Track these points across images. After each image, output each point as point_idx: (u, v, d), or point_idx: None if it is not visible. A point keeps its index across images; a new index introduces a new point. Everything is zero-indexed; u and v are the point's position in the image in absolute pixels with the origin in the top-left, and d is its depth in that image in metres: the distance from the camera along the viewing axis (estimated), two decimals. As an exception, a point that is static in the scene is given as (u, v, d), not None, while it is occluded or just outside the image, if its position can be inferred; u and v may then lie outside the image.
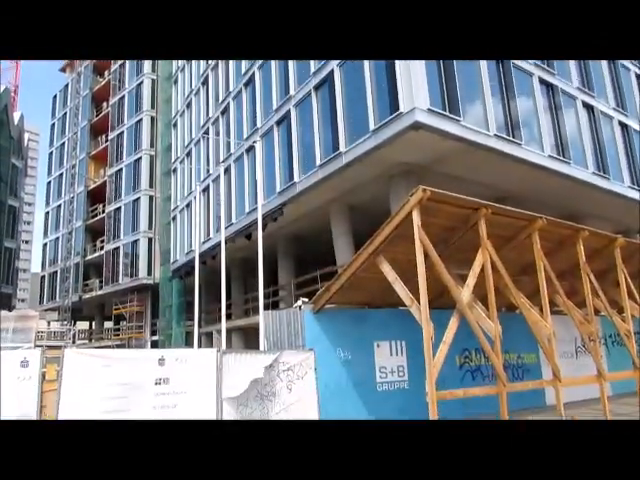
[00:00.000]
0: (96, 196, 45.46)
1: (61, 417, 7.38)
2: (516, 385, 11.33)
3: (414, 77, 13.92)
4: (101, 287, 41.68)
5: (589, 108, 20.47)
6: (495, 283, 9.81)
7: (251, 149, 22.47)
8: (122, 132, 42.37)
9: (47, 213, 52.41)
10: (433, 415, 7.91)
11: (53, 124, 54.55)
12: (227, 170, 25.18)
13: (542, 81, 18.42)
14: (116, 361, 8.25)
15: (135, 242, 38.39)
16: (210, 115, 28.85)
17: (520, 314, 10.61)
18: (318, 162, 17.66)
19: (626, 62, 23.34)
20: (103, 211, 43.41)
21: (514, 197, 18.12)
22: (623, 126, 22.06)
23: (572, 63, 20.13)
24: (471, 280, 9.52)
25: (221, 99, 27.38)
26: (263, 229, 16.35)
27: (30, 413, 7.41)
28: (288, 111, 20.25)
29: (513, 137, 16.24)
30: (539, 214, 10.74)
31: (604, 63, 21.86)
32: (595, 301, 12.22)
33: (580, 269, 11.88)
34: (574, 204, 20.41)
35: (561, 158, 17.90)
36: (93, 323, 48.78)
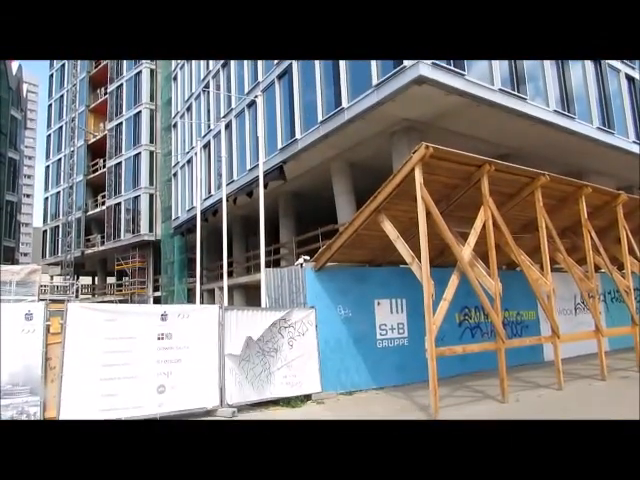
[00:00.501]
0: (96, 150, 45.02)
1: (66, 370, 7.55)
2: (514, 341, 11.52)
3: (418, 29, 13.51)
4: (103, 242, 41.83)
5: (596, 61, 19.97)
6: (496, 241, 9.83)
7: (252, 104, 22.11)
8: (121, 85, 41.57)
9: (47, 167, 51.99)
10: (432, 371, 8.06)
11: (52, 75, 53.29)
12: (228, 125, 24.85)
13: (550, 33, 17.89)
14: (119, 315, 8.38)
15: (136, 198, 38.28)
16: (210, 68, 28.24)
17: (520, 272, 10.67)
18: (320, 118, 17.38)
19: (637, 13, 22.59)
20: (104, 166, 43.07)
21: (517, 153, 17.93)
22: (630, 79, 21.56)
23: (582, 14, 19.48)
24: (472, 238, 9.53)
25: (221, 52, 26.72)
26: (265, 187, 16.27)
27: (34, 364, 7.56)
28: (290, 65, 19.80)
29: (518, 92, 15.90)
30: (542, 171, 10.64)
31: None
32: (596, 258, 12.26)
33: (582, 226, 11.87)
34: (577, 160, 20.18)
35: (566, 113, 17.58)
36: (96, 278, 49.22)
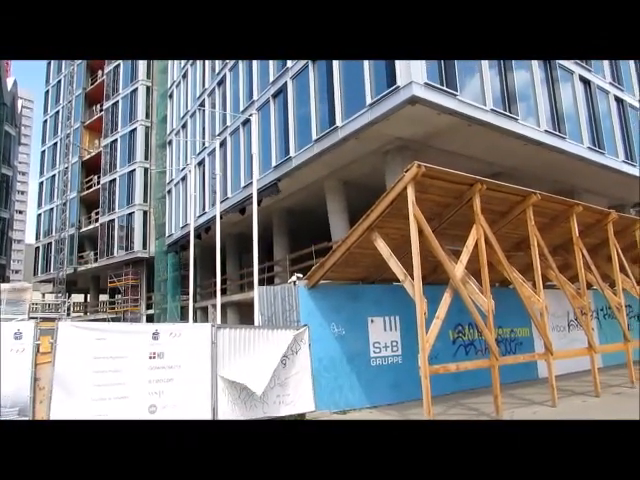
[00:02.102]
0: (91, 167, 45.02)
1: (55, 390, 7.47)
2: (508, 358, 11.52)
3: (411, 50, 13.72)
4: (96, 259, 41.62)
5: (586, 82, 20.30)
6: (489, 258, 9.90)
7: (247, 122, 22.24)
8: (117, 102, 41.76)
9: (41, 183, 51.90)
10: (426, 389, 8.05)
11: (47, 91, 53.51)
12: (223, 143, 24.97)
13: (540, 55, 18.19)
14: (110, 334, 8.31)
15: (130, 215, 38.24)
16: (206, 86, 28.46)
17: (513, 289, 10.72)
18: (314, 136, 17.53)
19: (625, 35, 23.06)
20: (98, 182, 43.03)
21: (509, 172, 18.11)
22: (619, 101, 21.92)
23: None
24: (465, 256, 9.60)
25: (217, 70, 26.99)
26: (258, 204, 16.33)
27: (23, 385, 7.48)
28: (285, 83, 19.99)
29: (510, 112, 16.12)
30: (533, 190, 10.76)
31: (603, 36, 21.57)
32: (587, 275, 12.36)
33: (573, 244, 11.97)
34: (569, 179, 20.41)
35: (557, 133, 17.81)
36: (88, 296, 48.83)
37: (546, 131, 17.31)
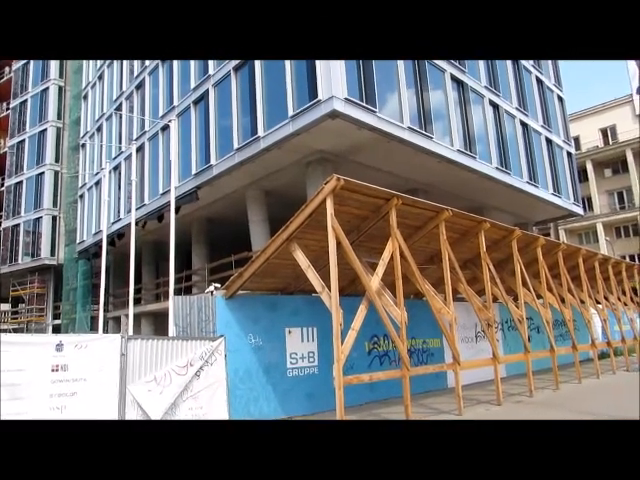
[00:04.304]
0: (-6, 168, 42.15)
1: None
2: (419, 369, 11.88)
3: (333, 66, 14.05)
4: (-3, 266, 38.89)
5: (495, 106, 21.64)
6: (403, 271, 10.21)
7: (167, 128, 21.72)
8: (26, 100, 39.41)
9: (-64, 184, 47.90)
10: (339, 400, 8.15)
11: (-55, 87, 49.69)
12: (140, 148, 24.21)
13: (453, 78, 19.21)
14: (7, 346, 7.76)
15: (38, 220, 36.06)
16: (124, 89, 27.51)
17: (426, 301, 11.11)
18: (236, 145, 17.42)
19: (528, 65, 24.89)
20: (2, 185, 40.32)
21: (424, 188, 18.91)
22: (524, 125, 23.56)
23: (481, 62, 21.13)
24: (380, 268, 9.85)
25: (136, 73, 26.20)
26: (177, 212, 15.96)
27: None
28: (206, 91, 19.75)
29: (425, 130, 16.85)
30: (446, 206, 11.25)
31: (509, 64, 23.17)
32: (493, 289, 13.02)
33: (481, 259, 12.61)
34: (480, 197, 21.61)
35: (468, 152, 18.82)
36: (-12, 305, 45.43)
37: (459, 150, 18.23)
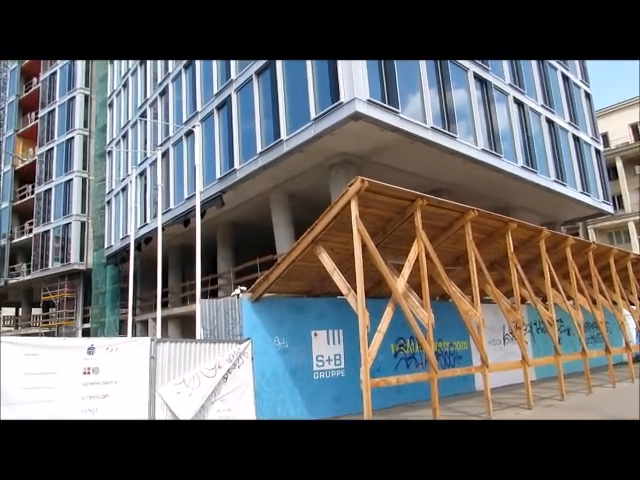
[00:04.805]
0: (24, 176, 43.09)
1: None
2: (446, 372, 11.77)
3: (355, 67, 14.02)
4: (29, 272, 39.70)
5: (519, 104, 21.32)
6: (429, 273, 10.11)
7: (190, 133, 21.96)
8: (53, 110, 40.25)
9: (-30, 193, 49.27)
10: (367, 402, 8.11)
11: (-23, 99, 51.16)
12: (165, 154, 24.52)
13: (477, 76, 19.00)
14: (42, 349, 7.95)
15: (67, 226, 36.77)
16: (148, 96, 27.91)
17: (452, 303, 10.99)
18: (259, 149, 17.51)
19: (553, 62, 24.47)
20: (32, 192, 41.23)
21: (449, 189, 18.72)
22: (550, 122, 23.15)
23: (505, 60, 20.85)
24: (406, 270, 9.77)
25: (160, 80, 26.56)
26: (202, 216, 16.11)
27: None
28: (229, 96, 19.91)
29: (449, 130, 16.69)
30: (472, 206, 11.12)
31: (533, 62, 22.80)
32: (521, 290, 12.82)
33: (508, 259, 12.42)
34: (505, 196, 21.30)
35: (493, 152, 18.58)
36: (20, 309, 46.46)
37: (483, 150, 18.01)
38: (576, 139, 25.06)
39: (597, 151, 27.10)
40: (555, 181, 21.98)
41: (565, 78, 25.51)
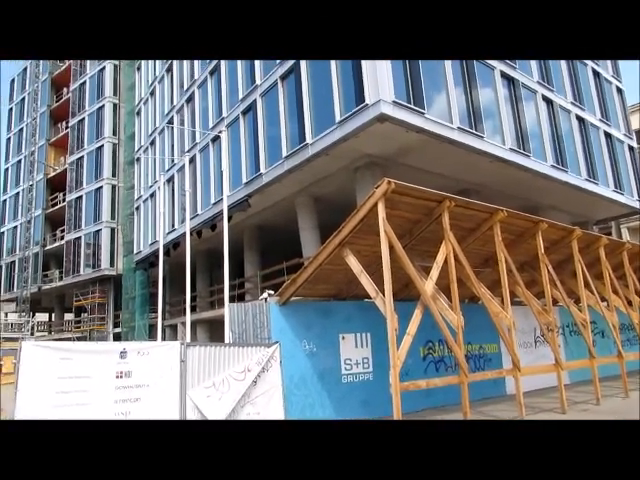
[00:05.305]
0: (56, 184, 44.19)
1: (18, 411, 7.22)
2: (477, 375, 11.58)
3: (379, 69, 13.95)
4: (61, 278, 40.63)
5: (548, 102, 20.93)
6: (458, 274, 9.99)
7: (217, 139, 22.17)
8: (83, 119, 41.20)
9: (4, 201, 50.59)
10: (396, 406, 8.02)
11: (11, 109, 52.63)
12: (192, 160, 24.79)
13: (504, 74, 18.72)
14: (76, 354, 8.10)
15: (97, 232, 37.54)
16: (175, 103, 28.30)
17: (482, 305, 10.82)
18: (284, 153, 17.56)
19: (584, 57, 23.97)
20: (63, 200, 42.23)
21: (476, 189, 18.46)
22: (580, 120, 22.65)
23: (534, 58, 20.52)
24: (434, 272, 9.67)
25: (186, 87, 26.90)
26: (229, 220, 16.21)
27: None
28: (254, 101, 20.04)
29: (475, 130, 16.47)
30: (500, 206, 10.94)
31: (563, 59, 22.37)
32: (553, 291, 12.56)
33: (539, 260, 12.18)
34: (535, 196, 20.90)
35: (521, 151, 18.26)
36: (53, 315, 47.54)
37: (511, 149, 17.73)
38: (608, 136, 24.46)
39: (630, 148, 26.38)
40: (586, 179, 21.49)
41: (596, 74, 24.94)
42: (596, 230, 26.75)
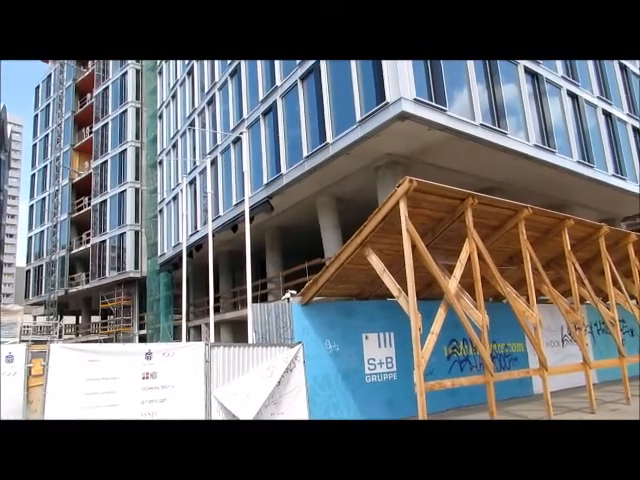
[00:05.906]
0: (81, 189, 44.99)
1: (48, 412, 7.34)
2: (503, 374, 11.44)
3: (400, 66, 13.85)
4: (87, 281, 41.34)
5: (574, 97, 20.55)
6: (482, 273, 9.86)
7: (238, 140, 22.30)
8: (107, 124, 41.86)
9: (31, 206, 51.68)
10: (421, 406, 7.94)
11: (36, 115, 53.72)
12: (214, 162, 24.99)
13: (527, 70, 18.44)
14: (103, 355, 8.21)
15: (122, 235, 38.08)
16: (196, 106, 28.56)
17: (507, 304, 10.67)
18: (305, 153, 17.57)
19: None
20: (89, 204, 42.95)
21: (500, 186, 18.20)
22: (607, 115, 22.19)
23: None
24: (458, 270, 9.55)
25: (207, 90, 27.12)
26: (250, 221, 16.29)
27: (16, 408, 7.33)
28: (275, 102, 20.10)
29: (499, 126, 16.25)
30: (525, 203, 10.77)
31: (588, 52, 21.90)
32: (580, 290, 12.31)
33: (566, 258, 11.96)
34: (560, 193, 20.55)
35: (546, 147, 17.96)
36: (80, 317, 48.36)
37: (535, 145, 17.45)
38: (636, 131, 23.91)
39: (659, 142, 25.79)
40: (613, 175, 21.04)
41: (623, 67, 24.40)
42: (624, 227, 26.17)
